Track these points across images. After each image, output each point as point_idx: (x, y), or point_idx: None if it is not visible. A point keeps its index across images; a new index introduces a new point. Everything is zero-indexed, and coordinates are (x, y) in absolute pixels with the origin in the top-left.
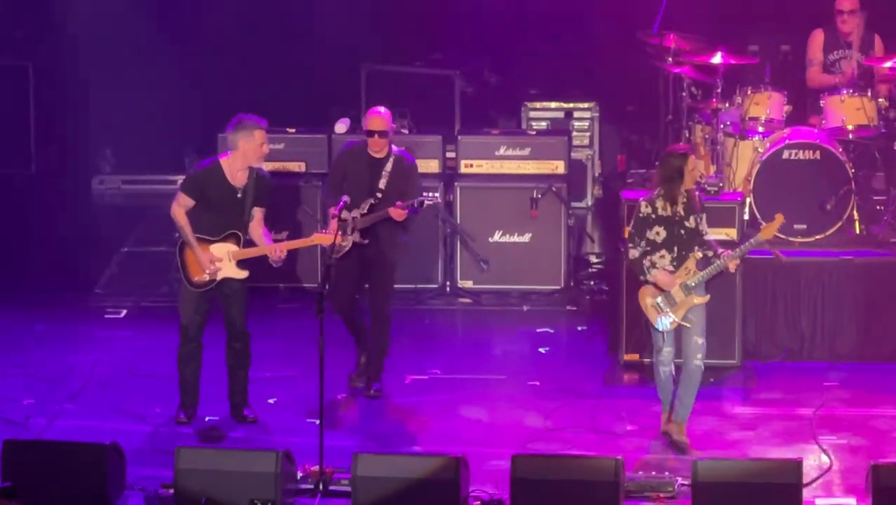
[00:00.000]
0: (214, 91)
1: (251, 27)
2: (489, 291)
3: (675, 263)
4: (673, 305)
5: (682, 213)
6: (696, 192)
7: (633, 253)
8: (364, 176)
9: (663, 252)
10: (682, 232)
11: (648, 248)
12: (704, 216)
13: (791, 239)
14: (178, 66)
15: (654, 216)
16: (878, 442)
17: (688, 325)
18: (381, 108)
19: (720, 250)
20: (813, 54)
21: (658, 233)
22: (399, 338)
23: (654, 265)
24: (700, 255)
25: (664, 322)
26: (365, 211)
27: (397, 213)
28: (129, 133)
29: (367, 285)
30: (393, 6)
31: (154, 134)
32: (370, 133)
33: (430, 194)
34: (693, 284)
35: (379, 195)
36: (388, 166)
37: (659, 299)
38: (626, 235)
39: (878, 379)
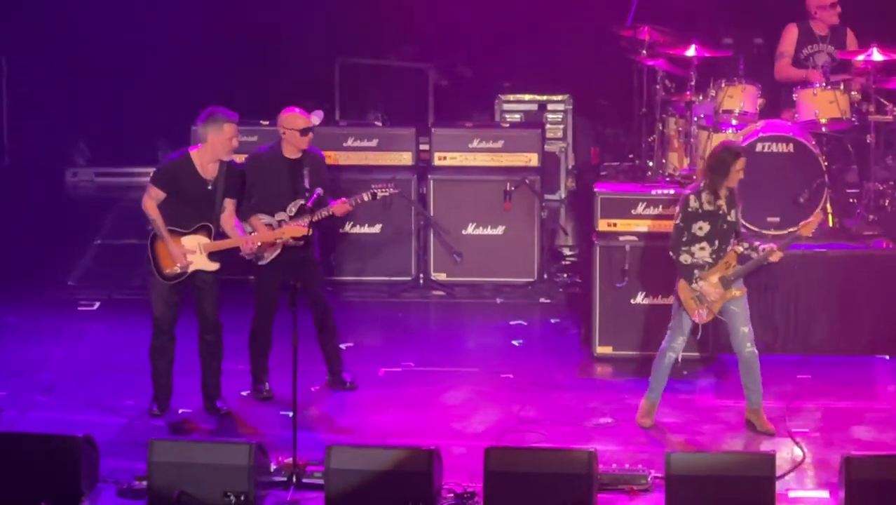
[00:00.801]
0: (188, 84)
1: (225, 19)
2: (462, 283)
3: (713, 256)
4: (712, 298)
5: (725, 207)
6: (735, 186)
7: (685, 259)
8: (285, 179)
9: (704, 244)
10: (725, 226)
11: (688, 239)
12: (740, 208)
13: (764, 232)
14: (151, 58)
15: (700, 211)
16: (851, 435)
17: (724, 318)
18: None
19: (756, 243)
20: (784, 47)
21: (701, 227)
22: (372, 330)
23: (693, 256)
24: (740, 249)
25: (702, 314)
26: (293, 213)
27: (343, 209)
28: (103, 125)
29: (293, 282)
30: None
31: (128, 126)
32: (306, 131)
33: (385, 185)
34: (732, 278)
35: (307, 194)
36: (306, 164)
37: (699, 293)
38: (673, 231)
39: (851, 372)
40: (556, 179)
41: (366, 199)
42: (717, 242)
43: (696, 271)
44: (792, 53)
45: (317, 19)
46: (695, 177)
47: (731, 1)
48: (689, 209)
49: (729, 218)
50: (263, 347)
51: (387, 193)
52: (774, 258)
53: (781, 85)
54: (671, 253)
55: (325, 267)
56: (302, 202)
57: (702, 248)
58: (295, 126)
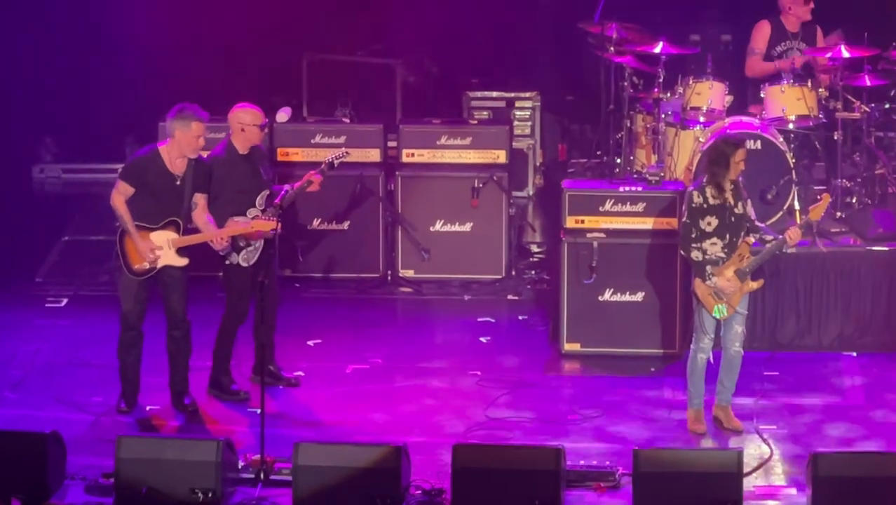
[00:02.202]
0: (156, 80)
1: (193, 15)
2: (430, 280)
3: (726, 251)
4: (729, 292)
5: (731, 200)
6: (741, 179)
7: (697, 255)
8: (248, 176)
9: (715, 240)
10: (733, 219)
11: (698, 235)
12: (750, 202)
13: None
14: (119, 54)
15: (705, 206)
16: (818, 431)
17: (741, 312)
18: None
19: (768, 236)
20: (756, 44)
21: (710, 222)
22: (340, 327)
23: (705, 253)
24: (752, 240)
25: (721, 310)
26: (263, 206)
27: (318, 180)
28: (70, 121)
29: (260, 278)
30: None
31: (95, 122)
32: (264, 126)
33: (340, 153)
34: (748, 270)
35: (266, 185)
36: (257, 156)
37: (714, 289)
38: (681, 228)
39: (818, 369)
40: (524, 176)
41: (326, 170)
42: (728, 236)
43: (708, 267)
44: (764, 51)
45: (284, 15)
46: (690, 168)
47: None
48: (694, 205)
49: (737, 210)
50: (231, 347)
51: (343, 158)
52: (794, 238)
53: (749, 82)
54: (682, 251)
55: (292, 264)
56: (267, 192)
57: (713, 244)
58: (256, 122)
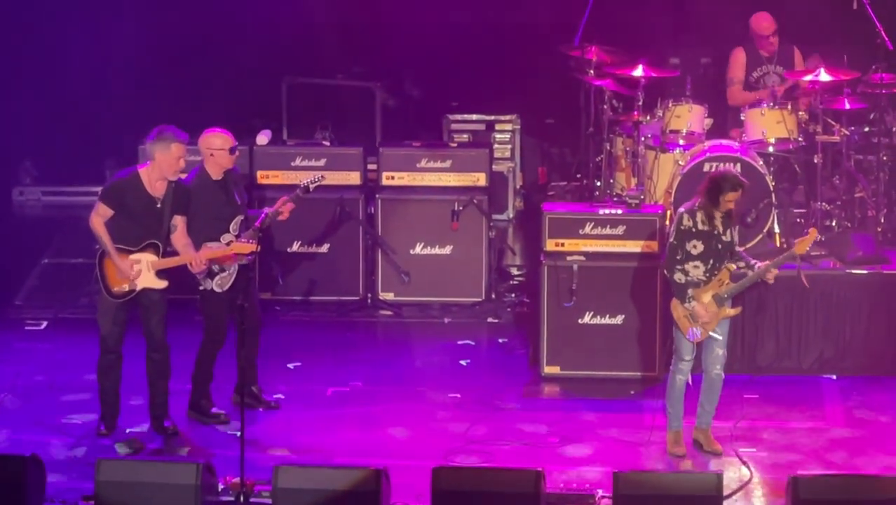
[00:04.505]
0: (136, 103)
1: (173, 38)
2: (410, 303)
3: (707, 275)
4: (704, 319)
5: (720, 227)
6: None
7: (679, 277)
8: (221, 202)
9: (698, 263)
10: (719, 246)
11: (683, 257)
12: (738, 228)
13: None
14: (100, 77)
15: (693, 230)
16: (798, 454)
17: (718, 336)
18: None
19: (752, 262)
20: (734, 73)
21: (695, 246)
22: (320, 350)
23: (687, 274)
24: (733, 267)
25: (696, 333)
26: (236, 231)
27: (288, 207)
28: (50, 144)
29: (240, 301)
30: (314, 19)
31: (74, 145)
32: (234, 150)
33: (314, 178)
34: (726, 296)
35: (245, 211)
36: (231, 181)
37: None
38: (668, 249)
39: (797, 392)
40: (503, 199)
41: (300, 194)
42: (711, 262)
43: (689, 290)
44: (742, 79)
45: (264, 39)
46: (669, 192)
47: (678, 21)
48: (683, 227)
49: (724, 238)
50: (210, 370)
51: (318, 183)
52: (770, 277)
53: (729, 105)
54: (665, 271)
55: (272, 287)
56: (241, 218)
57: (695, 267)
58: (225, 146)
